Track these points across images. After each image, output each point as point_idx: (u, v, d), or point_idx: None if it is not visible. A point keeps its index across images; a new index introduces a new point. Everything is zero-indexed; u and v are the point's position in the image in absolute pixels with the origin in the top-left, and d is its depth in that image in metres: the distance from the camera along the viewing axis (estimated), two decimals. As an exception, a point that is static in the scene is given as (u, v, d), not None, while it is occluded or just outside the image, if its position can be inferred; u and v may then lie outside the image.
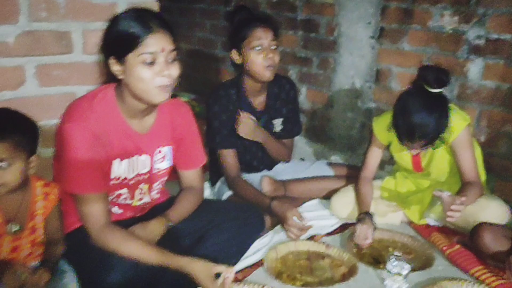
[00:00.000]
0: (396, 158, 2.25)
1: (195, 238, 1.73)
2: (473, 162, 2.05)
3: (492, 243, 1.82)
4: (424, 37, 2.55)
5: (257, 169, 2.40)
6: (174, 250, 1.56)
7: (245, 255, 1.86)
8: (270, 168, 2.46)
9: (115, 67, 1.47)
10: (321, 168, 2.54)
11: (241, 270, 1.78)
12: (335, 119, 3.14)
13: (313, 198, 2.40)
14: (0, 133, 1.40)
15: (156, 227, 1.64)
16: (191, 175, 1.83)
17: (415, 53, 2.63)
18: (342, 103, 3.08)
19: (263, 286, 1.64)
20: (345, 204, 2.25)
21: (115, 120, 1.55)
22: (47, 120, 1.86)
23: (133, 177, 1.64)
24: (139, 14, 1.45)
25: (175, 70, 1.47)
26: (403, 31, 2.65)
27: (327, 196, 2.37)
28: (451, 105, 1.96)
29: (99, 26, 1.81)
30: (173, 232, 1.70)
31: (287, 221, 1.95)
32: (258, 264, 1.83)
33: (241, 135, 2.17)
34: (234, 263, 1.74)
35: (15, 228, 1.52)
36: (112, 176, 1.58)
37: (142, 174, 1.66)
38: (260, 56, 2.05)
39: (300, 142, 3.26)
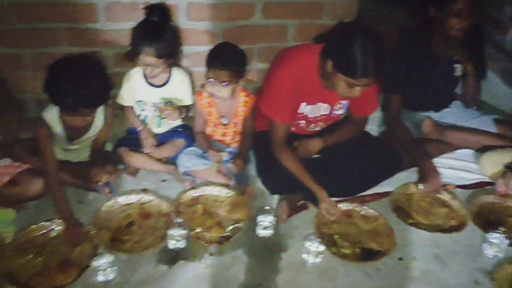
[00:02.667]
0: None
1: (343, 160, 2.27)
2: None
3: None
4: None
5: (425, 108, 2.68)
6: (325, 165, 2.21)
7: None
8: (437, 110, 2.71)
9: (328, 67, 1.91)
10: (486, 123, 2.66)
11: (370, 195, 2.33)
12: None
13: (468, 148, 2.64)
14: (225, 63, 2.10)
15: (314, 145, 2.26)
16: (360, 118, 2.31)
17: None
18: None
19: (377, 213, 2.19)
20: (495, 164, 2.44)
21: (311, 76, 2.06)
22: (263, 43, 2.50)
23: (313, 117, 2.22)
24: (367, 52, 1.78)
25: (358, 93, 1.90)
26: None
27: (482, 150, 2.57)
28: None
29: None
30: (328, 150, 2.30)
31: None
32: (387, 194, 2.35)
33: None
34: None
35: (225, 121, 2.33)
36: (298, 112, 2.19)
37: (322, 115, 2.22)
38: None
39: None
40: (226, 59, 2.14)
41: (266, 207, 2.08)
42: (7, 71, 2.19)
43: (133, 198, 2.17)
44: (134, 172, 2.34)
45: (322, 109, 2.20)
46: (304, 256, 1.97)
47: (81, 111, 1.89)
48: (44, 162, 1.95)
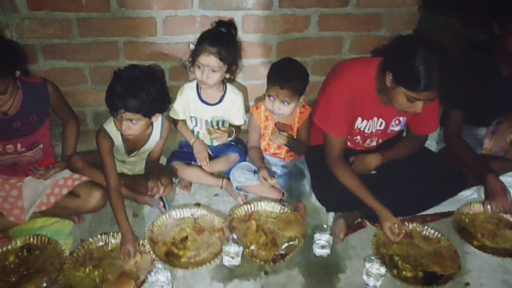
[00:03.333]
0: None
1: (402, 178, 2.16)
2: None
3: None
4: None
5: (487, 124, 2.54)
6: (383, 183, 2.12)
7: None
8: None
9: (388, 80, 1.84)
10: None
11: (431, 215, 2.21)
12: None
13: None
14: (287, 82, 2.06)
15: (372, 161, 2.18)
16: (419, 137, 2.20)
17: None
18: None
19: (440, 235, 2.09)
20: None
21: (368, 90, 1.99)
22: (318, 56, 2.45)
23: (369, 132, 2.14)
24: (430, 64, 1.70)
25: (420, 108, 1.81)
26: None
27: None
28: None
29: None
30: (386, 166, 2.21)
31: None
32: (449, 214, 2.23)
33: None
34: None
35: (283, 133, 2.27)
36: (354, 127, 2.12)
37: (377, 130, 2.14)
38: None
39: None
40: (288, 78, 2.08)
41: (324, 225, 2.02)
42: (68, 85, 2.23)
43: (186, 213, 2.16)
44: (187, 186, 2.33)
45: (378, 124, 2.12)
46: (364, 278, 1.89)
47: (122, 114, 1.86)
48: (106, 173, 1.96)
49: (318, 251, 2.00)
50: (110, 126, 2.02)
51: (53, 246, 1.93)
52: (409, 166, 2.17)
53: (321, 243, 1.98)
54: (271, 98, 2.12)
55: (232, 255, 1.90)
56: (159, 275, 1.75)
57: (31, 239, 1.96)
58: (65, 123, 2.18)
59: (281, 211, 2.21)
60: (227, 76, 2.15)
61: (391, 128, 2.15)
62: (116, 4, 2.09)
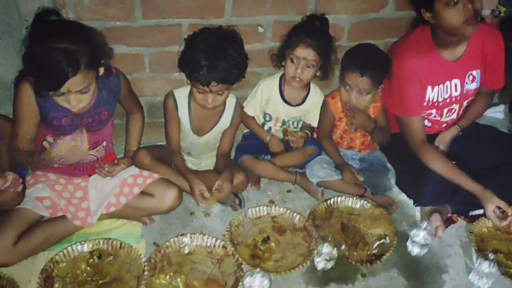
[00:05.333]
0: None
1: (485, 166, 2.00)
2: None
3: None
4: None
5: None
6: (465, 168, 1.92)
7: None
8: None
9: (427, 15, 1.75)
10: None
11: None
12: None
13: None
14: (368, 68, 1.86)
15: (448, 133, 2.03)
16: (490, 93, 2.07)
17: None
18: None
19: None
20: None
21: (429, 53, 1.85)
22: (391, 38, 2.26)
23: (442, 100, 1.96)
24: None
25: (480, 4, 1.66)
26: None
27: None
28: None
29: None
30: (468, 153, 2.04)
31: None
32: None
33: None
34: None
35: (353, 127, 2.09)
36: (425, 99, 1.94)
37: (454, 96, 1.97)
38: None
39: None
40: (369, 63, 1.88)
41: (420, 222, 1.85)
42: (125, 73, 2.01)
43: (262, 211, 1.97)
44: (257, 181, 2.14)
45: (453, 88, 1.95)
46: (472, 278, 1.73)
47: (212, 86, 1.72)
48: (168, 139, 1.96)
49: (415, 250, 1.83)
50: (179, 93, 1.92)
51: (127, 251, 1.73)
52: (497, 152, 2.02)
53: (420, 242, 1.81)
54: (348, 87, 1.93)
55: (326, 257, 1.73)
56: (255, 281, 1.58)
57: (101, 243, 1.76)
58: (130, 115, 1.96)
59: (364, 207, 2.03)
60: (318, 73, 1.98)
61: (467, 87, 1.97)
62: (184, -18, 1.89)
